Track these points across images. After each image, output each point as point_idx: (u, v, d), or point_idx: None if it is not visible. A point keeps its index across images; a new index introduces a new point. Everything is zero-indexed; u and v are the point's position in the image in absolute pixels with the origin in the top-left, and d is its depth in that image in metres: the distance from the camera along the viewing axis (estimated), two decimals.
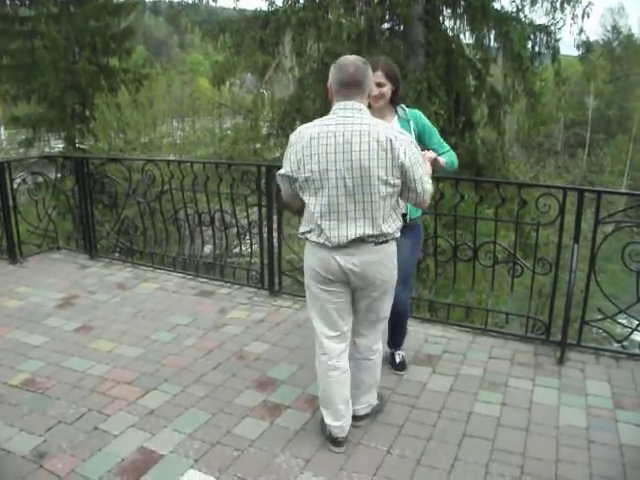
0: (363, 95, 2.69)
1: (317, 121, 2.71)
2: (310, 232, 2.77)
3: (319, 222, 2.69)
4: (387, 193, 2.63)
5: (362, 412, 3.12)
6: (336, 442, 2.94)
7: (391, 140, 2.56)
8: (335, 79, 2.68)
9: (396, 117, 3.36)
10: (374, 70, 3.14)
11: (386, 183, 2.60)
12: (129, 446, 2.94)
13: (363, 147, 2.56)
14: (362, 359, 3.02)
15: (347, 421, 2.95)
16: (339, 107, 2.66)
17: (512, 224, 5.19)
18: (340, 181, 2.60)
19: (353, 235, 2.65)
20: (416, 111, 3.43)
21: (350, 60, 2.68)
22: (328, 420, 2.94)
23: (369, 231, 2.66)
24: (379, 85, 3.21)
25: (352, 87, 2.64)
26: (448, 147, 3.46)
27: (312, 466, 2.81)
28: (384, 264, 2.78)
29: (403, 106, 3.39)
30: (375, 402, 3.17)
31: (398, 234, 2.81)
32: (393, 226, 2.74)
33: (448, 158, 3.39)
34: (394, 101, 3.34)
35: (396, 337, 3.79)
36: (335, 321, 2.86)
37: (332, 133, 2.60)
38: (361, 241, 2.69)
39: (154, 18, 66.04)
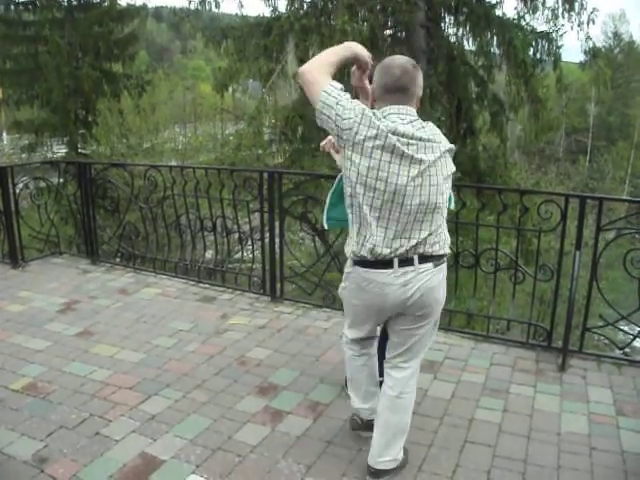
0: (411, 102, 2.41)
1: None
2: (359, 246, 2.46)
3: (372, 225, 2.39)
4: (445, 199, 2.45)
5: (386, 467, 2.70)
6: (367, 426, 2.91)
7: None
8: (379, 83, 2.42)
9: None
10: None
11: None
12: (130, 451, 2.94)
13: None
14: (395, 397, 2.66)
15: (376, 403, 2.82)
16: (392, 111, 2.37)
17: (514, 231, 5.21)
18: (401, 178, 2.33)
19: (414, 249, 2.41)
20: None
21: (398, 62, 2.40)
22: (356, 404, 2.95)
23: (430, 248, 2.43)
24: None
25: (396, 93, 2.38)
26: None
27: (314, 472, 2.80)
28: (443, 287, 2.56)
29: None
30: (401, 457, 2.75)
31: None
32: (448, 241, 2.55)
33: None
34: None
35: None
36: (366, 328, 2.77)
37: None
38: (423, 259, 2.43)
39: (156, 24, 66.13)
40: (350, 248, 2.53)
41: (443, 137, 2.46)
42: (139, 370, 3.82)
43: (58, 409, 3.33)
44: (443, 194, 2.42)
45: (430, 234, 2.42)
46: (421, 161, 2.32)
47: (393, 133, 2.29)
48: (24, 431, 3.10)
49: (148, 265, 6.01)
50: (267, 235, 5.14)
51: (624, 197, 16.41)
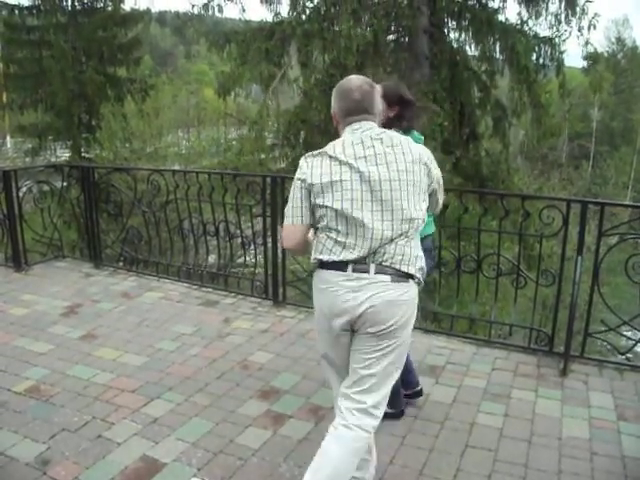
0: (374, 119, 2.39)
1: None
2: (317, 251, 2.37)
3: (332, 231, 2.30)
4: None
5: None
6: None
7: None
8: (341, 107, 2.39)
9: None
10: None
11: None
12: (132, 454, 2.95)
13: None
14: (344, 425, 2.30)
15: None
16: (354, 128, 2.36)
17: (516, 236, 5.21)
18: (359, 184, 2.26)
19: (372, 258, 2.26)
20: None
21: (355, 84, 2.37)
22: None
23: (388, 261, 2.27)
24: None
25: (359, 114, 2.35)
26: None
27: None
28: (406, 308, 2.31)
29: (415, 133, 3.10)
30: None
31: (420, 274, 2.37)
32: (418, 263, 2.35)
33: None
34: (401, 127, 3.00)
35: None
36: (335, 361, 2.47)
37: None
38: (380, 269, 2.26)
39: (160, 28, 66.35)
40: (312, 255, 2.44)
41: (414, 147, 2.35)
42: (142, 373, 3.83)
43: (61, 412, 3.34)
44: (405, 206, 2.27)
45: (390, 245, 2.26)
46: (362, 172, 2.26)
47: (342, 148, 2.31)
48: (27, 433, 3.12)
49: (151, 269, 6.02)
50: (269, 240, 5.15)
51: (626, 202, 16.39)
